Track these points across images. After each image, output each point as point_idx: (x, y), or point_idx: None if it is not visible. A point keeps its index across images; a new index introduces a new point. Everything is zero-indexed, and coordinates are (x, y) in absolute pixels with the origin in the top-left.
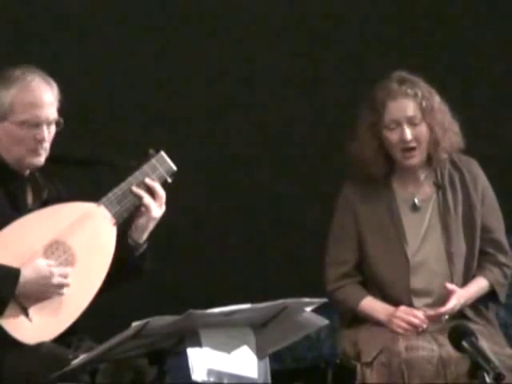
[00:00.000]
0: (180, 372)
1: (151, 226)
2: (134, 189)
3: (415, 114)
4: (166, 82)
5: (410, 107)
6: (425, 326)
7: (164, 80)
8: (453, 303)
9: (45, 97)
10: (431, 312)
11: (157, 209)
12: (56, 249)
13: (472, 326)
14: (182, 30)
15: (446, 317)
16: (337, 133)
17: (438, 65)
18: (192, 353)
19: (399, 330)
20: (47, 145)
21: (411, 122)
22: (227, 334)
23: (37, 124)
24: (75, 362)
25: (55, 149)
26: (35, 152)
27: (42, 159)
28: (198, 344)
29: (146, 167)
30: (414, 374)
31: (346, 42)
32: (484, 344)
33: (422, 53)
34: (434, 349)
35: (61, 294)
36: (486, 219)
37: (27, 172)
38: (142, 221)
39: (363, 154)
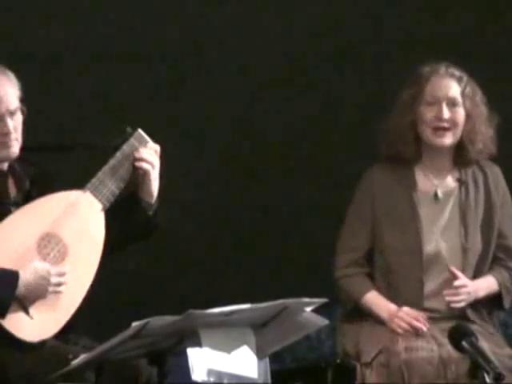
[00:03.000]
0: (180, 372)
1: (157, 184)
2: (136, 163)
3: (456, 96)
4: (165, 78)
5: (452, 88)
6: (425, 329)
7: (162, 75)
8: (464, 280)
9: (2, 89)
10: (448, 291)
11: (156, 166)
12: (48, 241)
13: (472, 326)
14: (182, 30)
15: (447, 298)
16: (337, 132)
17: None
18: (192, 353)
19: (399, 330)
20: (17, 135)
21: (451, 103)
22: (227, 333)
23: None
24: (75, 362)
25: (32, 138)
26: (5, 145)
27: (15, 149)
28: (198, 344)
29: (125, 147)
30: (414, 374)
31: (346, 41)
32: (484, 344)
33: (422, 53)
34: (434, 349)
35: (59, 293)
36: (502, 225)
37: (6, 165)
38: (147, 185)
39: (396, 126)
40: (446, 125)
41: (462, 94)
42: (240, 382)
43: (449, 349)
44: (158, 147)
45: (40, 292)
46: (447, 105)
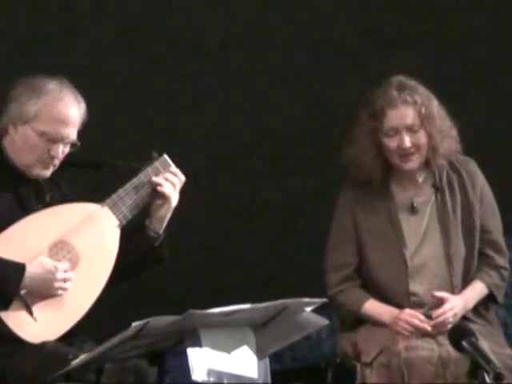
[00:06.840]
0: (180, 372)
1: (169, 214)
2: (154, 179)
3: (414, 122)
4: (167, 86)
5: (409, 115)
6: (429, 328)
7: (165, 83)
8: (449, 306)
9: (72, 116)
10: (433, 322)
11: (176, 197)
12: (60, 248)
13: (472, 326)
14: (183, 32)
15: (450, 319)
16: (337, 133)
17: (436, 64)
18: (192, 353)
19: (404, 333)
20: (57, 162)
21: (410, 130)
22: (227, 333)
23: (55, 139)
24: (75, 362)
25: None
26: (45, 166)
27: (48, 173)
28: (198, 344)
29: (149, 170)
30: (414, 373)
31: (345, 41)
32: (484, 344)
33: (421, 53)
34: (434, 349)
35: (64, 290)
36: (485, 219)
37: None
38: (161, 212)
39: (361, 159)
40: (410, 151)
41: (419, 116)
42: (240, 381)
43: (449, 349)
44: (183, 178)
45: (46, 286)
46: (407, 132)
